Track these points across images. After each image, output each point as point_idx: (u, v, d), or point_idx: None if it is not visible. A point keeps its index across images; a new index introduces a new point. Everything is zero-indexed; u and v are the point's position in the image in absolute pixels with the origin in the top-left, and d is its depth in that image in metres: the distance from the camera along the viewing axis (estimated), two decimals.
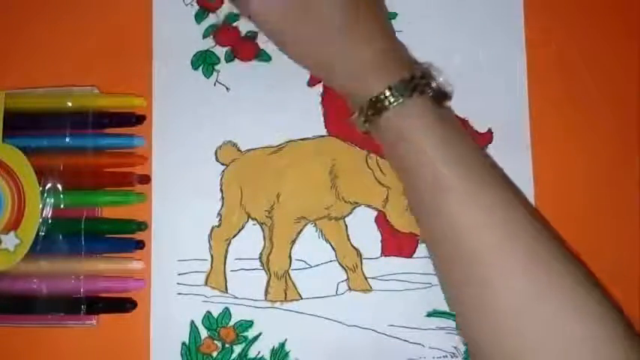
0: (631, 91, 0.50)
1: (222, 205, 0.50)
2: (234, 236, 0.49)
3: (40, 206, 0.47)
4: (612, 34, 0.51)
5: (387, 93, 0.42)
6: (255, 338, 0.49)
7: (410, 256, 0.49)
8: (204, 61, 0.51)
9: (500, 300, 0.40)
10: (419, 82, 0.42)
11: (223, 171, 0.50)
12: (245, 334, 0.49)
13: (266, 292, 0.49)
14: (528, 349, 0.39)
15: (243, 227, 0.50)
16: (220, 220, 0.49)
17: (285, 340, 0.48)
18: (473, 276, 0.41)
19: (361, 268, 0.49)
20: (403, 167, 0.44)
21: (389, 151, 0.45)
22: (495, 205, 0.41)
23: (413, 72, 0.43)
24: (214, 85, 0.51)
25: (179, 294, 0.49)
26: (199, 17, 0.51)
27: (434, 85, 0.43)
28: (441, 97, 0.43)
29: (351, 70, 0.44)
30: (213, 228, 0.49)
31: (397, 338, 0.48)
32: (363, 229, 0.49)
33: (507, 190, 0.43)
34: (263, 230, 0.49)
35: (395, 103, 0.42)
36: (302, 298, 0.49)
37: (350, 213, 0.50)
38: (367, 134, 0.45)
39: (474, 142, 0.45)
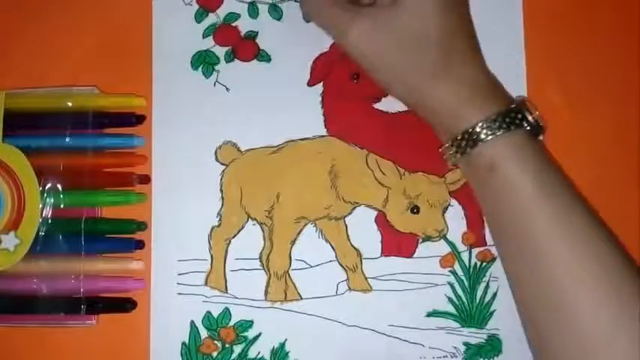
0: (631, 91, 0.50)
1: (222, 205, 0.50)
2: (234, 236, 0.49)
3: (40, 206, 0.47)
4: (612, 34, 0.51)
5: (483, 125, 0.42)
6: (255, 338, 0.49)
7: (410, 256, 0.49)
8: (204, 61, 0.51)
9: (589, 327, 0.40)
10: (515, 116, 0.42)
11: (223, 171, 0.50)
12: (245, 334, 0.49)
13: (266, 292, 0.49)
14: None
15: (243, 227, 0.50)
16: (220, 220, 0.49)
17: (285, 340, 0.48)
18: (559, 302, 0.41)
19: (361, 268, 0.49)
20: (492, 198, 0.43)
21: (478, 182, 0.44)
22: (585, 240, 0.41)
23: (508, 105, 0.43)
24: (214, 85, 0.51)
25: (179, 294, 0.49)
26: (199, 17, 0.51)
27: (530, 118, 0.43)
28: (537, 131, 0.43)
29: (446, 104, 0.43)
30: (213, 228, 0.49)
31: (397, 338, 0.48)
32: (363, 229, 0.49)
33: (596, 224, 0.42)
34: (263, 230, 0.50)
35: (491, 136, 0.42)
36: (302, 298, 0.49)
37: (350, 213, 0.50)
38: (455, 166, 0.46)
39: (565, 175, 0.44)
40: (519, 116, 0.42)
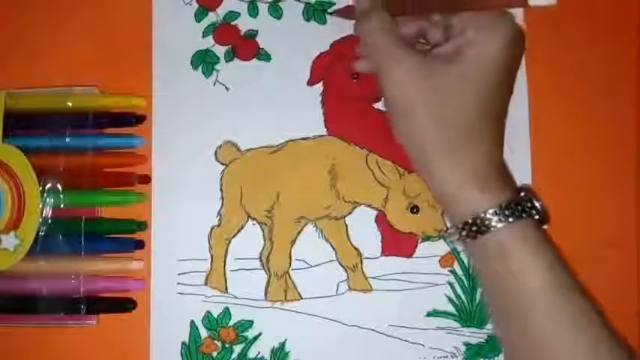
0: (629, 90, 0.50)
1: (222, 205, 0.50)
2: (234, 236, 0.49)
3: (40, 206, 0.47)
4: (610, 34, 0.51)
5: (496, 212, 0.41)
6: (255, 338, 0.49)
7: (410, 256, 0.49)
8: (204, 61, 0.51)
9: None
10: (526, 204, 0.42)
11: (223, 171, 0.50)
12: (245, 334, 0.49)
13: (266, 292, 0.49)
14: None
15: (243, 227, 0.50)
16: (220, 219, 0.49)
17: (285, 340, 0.49)
18: None
19: (361, 268, 0.49)
20: (498, 284, 0.42)
21: (485, 266, 0.43)
22: (588, 337, 0.41)
23: (517, 192, 0.43)
24: (214, 84, 0.51)
25: (179, 294, 0.49)
26: (199, 16, 0.51)
27: (538, 207, 0.42)
28: (543, 219, 0.43)
29: (457, 181, 0.42)
30: (213, 228, 0.49)
31: (397, 338, 0.48)
32: (363, 229, 0.49)
33: (600, 320, 0.42)
34: (263, 230, 0.49)
35: (503, 224, 0.41)
36: (302, 298, 0.49)
37: (350, 213, 0.50)
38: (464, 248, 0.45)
39: (568, 263, 0.43)
40: (529, 205, 0.42)
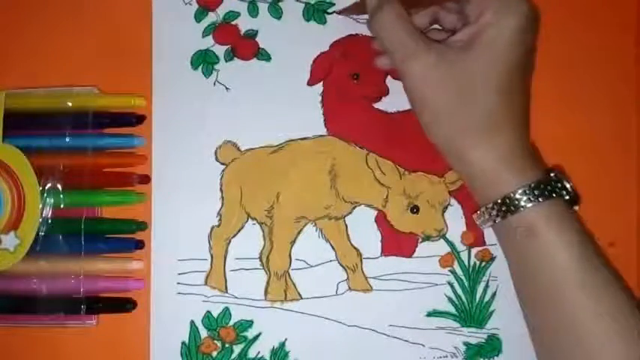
0: (629, 90, 0.50)
1: (222, 205, 0.50)
2: (234, 236, 0.49)
3: (40, 206, 0.47)
4: (610, 33, 0.51)
5: (525, 192, 0.42)
6: (255, 338, 0.49)
7: (410, 256, 0.49)
8: (204, 61, 0.51)
9: None
10: (556, 184, 0.42)
11: (223, 171, 0.50)
12: (245, 333, 0.49)
13: (266, 291, 0.49)
14: None
15: (243, 227, 0.50)
16: (220, 219, 0.49)
17: (285, 340, 0.49)
18: None
19: (361, 268, 0.49)
20: (527, 263, 0.43)
21: (512, 246, 0.44)
22: (618, 318, 0.41)
23: (547, 173, 0.43)
24: (214, 84, 0.51)
25: (179, 294, 0.49)
26: (199, 16, 0.51)
27: (568, 187, 0.43)
28: (574, 200, 0.43)
29: (486, 166, 0.43)
30: (213, 228, 0.49)
31: (397, 338, 0.48)
32: (363, 229, 0.49)
33: (628, 300, 0.42)
34: (263, 230, 0.49)
35: (532, 203, 0.42)
36: (302, 298, 0.49)
37: (350, 213, 0.50)
38: (486, 228, 0.45)
39: (598, 245, 0.44)
40: (559, 185, 0.43)
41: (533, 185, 0.42)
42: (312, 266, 0.49)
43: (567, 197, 0.43)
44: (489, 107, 0.43)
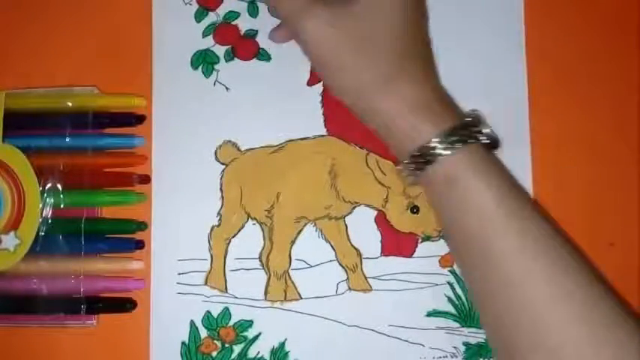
0: (630, 90, 0.50)
1: (222, 205, 0.50)
2: (234, 236, 0.49)
3: (40, 206, 0.47)
4: (611, 34, 0.51)
5: (441, 140, 0.41)
6: (255, 338, 0.49)
7: (410, 256, 0.49)
8: (204, 61, 0.51)
9: (564, 346, 0.39)
10: (472, 130, 0.42)
11: (223, 170, 0.50)
12: (245, 333, 0.49)
13: (266, 291, 0.49)
14: None
15: (243, 227, 0.50)
16: (220, 219, 0.49)
17: (285, 340, 0.49)
18: (530, 322, 0.39)
19: (361, 268, 0.49)
20: (451, 212, 0.42)
21: (437, 198, 0.43)
22: (551, 254, 0.40)
23: (464, 119, 0.42)
24: (214, 84, 0.51)
25: (179, 294, 0.49)
26: (199, 16, 0.51)
27: (485, 132, 0.42)
28: (493, 144, 0.43)
29: (398, 117, 0.42)
30: (213, 228, 0.49)
31: (397, 338, 0.48)
32: (363, 229, 0.49)
33: (559, 238, 0.41)
34: (263, 230, 0.49)
35: (449, 150, 0.41)
36: (302, 298, 0.49)
37: (350, 213, 0.50)
38: (415, 184, 0.44)
39: (522, 186, 0.44)
40: (475, 130, 0.42)
41: (447, 132, 0.41)
42: (312, 266, 0.49)
43: (486, 142, 0.42)
44: (391, 54, 0.42)
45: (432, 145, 0.41)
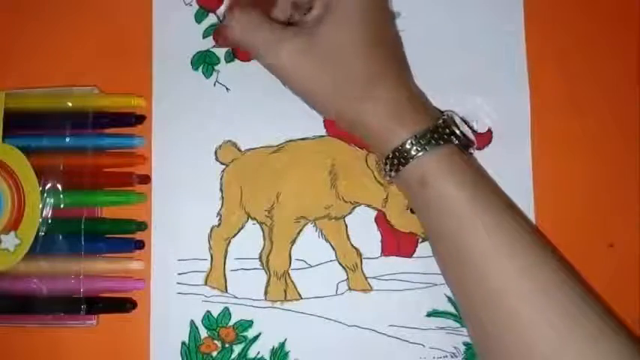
0: (631, 90, 0.50)
1: (222, 205, 0.50)
2: (234, 236, 0.49)
3: (40, 206, 0.47)
4: (611, 33, 0.51)
5: (413, 142, 0.42)
6: (255, 338, 0.49)
7: (410, 255, 0.49)
8: (204, 61, 0.51)
9: (536, 343, 0.40)
10: (444, 131, 0.43)
11: (223, 171, 0.50)
12: (245, 333, 0.49)
13: (266, 291, 0.49)
14: None
15: (243, 227, 0.50)
16: (220, 219, 0.49)
17: (285, 340, 0.48)
18: (505, 318, 0.41)
19: (361, 268, 0.49)
20: (426, 212, 0.44)
21: (413, 198, 0.45)
22: (525, 251, 0.41)
23: (436, 120, 0.43)
24: (214, 85, 0.51)
25: (179, 294, 0.49)
26: (199, 17, 0.51)
27: (458, 132, 0.43)
28: (466, 144, 0.44)
29: (375, 124, 0.44)
30: (213, 228, 0.49)
31: (397, 338, 0.48)
32: (363, 229, 0.49)
33: (533, 234, 0.43)
34: (263, 230, 0.49)
35: (421, 152, 0.42)
36: (302, 298, 0.49)
37: (350, 213, 0.50)
38: (391, 183, 0.46)
39: (496, 184, 0.45)
40: (447, 131, 0.43)
41: (419, 135, 0.42)
42: (312, 266, 0.49)
43: (458, 142, 0.43)
44: (366, 64, 0.44)
45: (407, 147, 0.43)
